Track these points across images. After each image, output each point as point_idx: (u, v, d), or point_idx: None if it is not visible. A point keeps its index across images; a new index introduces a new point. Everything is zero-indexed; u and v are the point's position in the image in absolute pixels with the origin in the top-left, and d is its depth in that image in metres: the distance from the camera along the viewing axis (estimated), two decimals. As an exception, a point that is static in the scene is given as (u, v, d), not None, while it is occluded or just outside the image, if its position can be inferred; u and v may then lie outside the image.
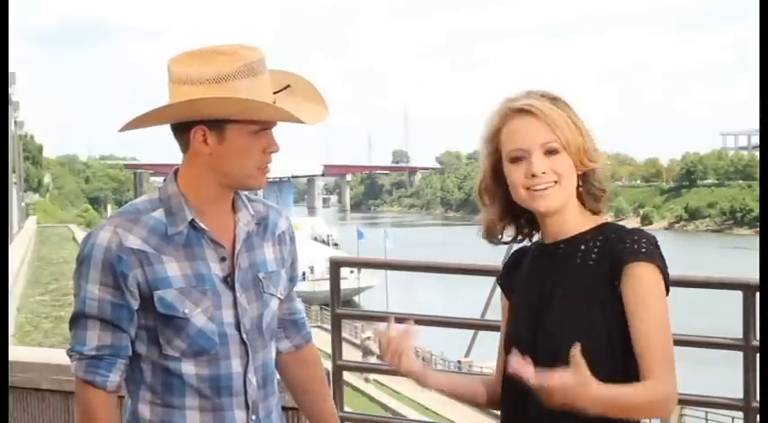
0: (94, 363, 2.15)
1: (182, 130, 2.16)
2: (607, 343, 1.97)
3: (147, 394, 2.20)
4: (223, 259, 2.19)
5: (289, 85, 2.23)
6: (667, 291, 2.02)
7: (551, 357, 1.95)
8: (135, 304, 2.13)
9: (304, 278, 48.72)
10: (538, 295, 2.07)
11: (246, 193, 2.30)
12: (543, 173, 2.04)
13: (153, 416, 2.19)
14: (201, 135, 2.13)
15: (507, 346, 2.10)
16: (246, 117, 2.11)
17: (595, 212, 2.11)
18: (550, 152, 2.04)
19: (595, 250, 2.02)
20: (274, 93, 2.19)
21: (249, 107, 2.09)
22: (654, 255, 1.97)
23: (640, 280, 1.96)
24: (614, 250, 1.99)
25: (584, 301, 1.99)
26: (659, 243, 2.04)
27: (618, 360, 1.97)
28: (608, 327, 1.97)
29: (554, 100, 2.08)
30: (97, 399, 2.15)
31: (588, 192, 2.10)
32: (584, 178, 2.09)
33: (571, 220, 2.08)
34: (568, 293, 2.02)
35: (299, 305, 2.49)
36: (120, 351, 2.16)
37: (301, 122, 2.15)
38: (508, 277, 2.21)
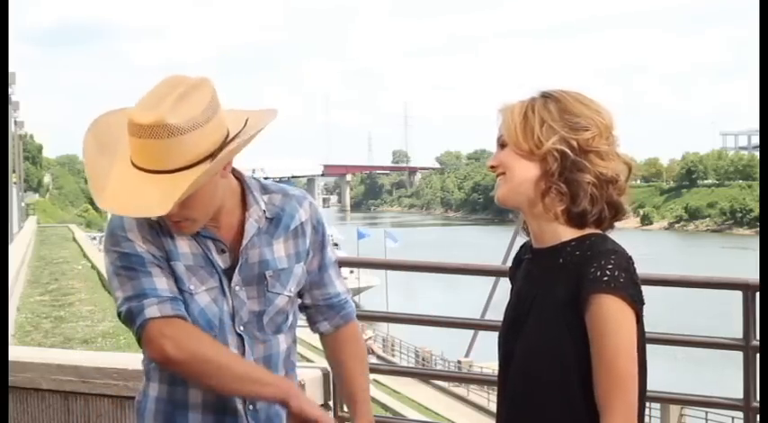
0: (177, 302, 2.14)
1: None
2: (576, 366, 1.93)
3: (155, 373, 2.25)
4: (222, 251, 2.21)
5: (211, 156, 2.09)
6: (639, 316, 1.94)
7: (523, 375, 2.01)
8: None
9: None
10: (520, 308, 2.06)
11: (267, 180, 2.35)
12: (492, 166, 2.05)
13: (159, 393, 2.24)
14: None
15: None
16: None
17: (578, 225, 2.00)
18: (502, 145, 2.05)
19: (571, 267, 1.95)
20: (158, 171, 2.06)
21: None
22: (615, 284, 1.89)
23: (598, 313, 1.90)
24: (580, 275, 1.92)
25: (555, 321, 1.96)
26: (635, 261, 1.94)
27: (587, 384, 1.93)
28: (577, 350, 1.93)
29: (535, 96, 2.04)
30: (193, 326, 2.15)
31: (557, 192, 1.98)
32: (559, 175, 1.97)
33: (547, 227, 2.02)
34: (543, 310, 1.99)
35: (337, 288, 2.42)
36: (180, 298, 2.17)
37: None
38: (514, 272, 2.21)
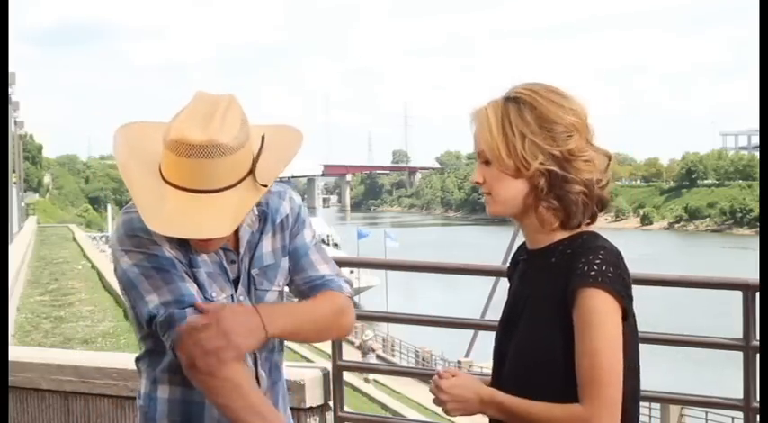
0: None
1: None
2: (564, 364, 1.93)
3: (165, 375, 2.21)
4: (233, 262, 2.22)
5: (250, 172, 2.08)
6: (626, 312, 1.93)
7: (516, 372, 2.01)
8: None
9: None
10: (514, 307, 2.07)
11: None
12: (477, 182, 2.03)
13: (172, 395, 2.21)
14: None
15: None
16: None
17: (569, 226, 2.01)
18: (485, 162, 2.02)
19: (561, 265, 1.96)
20: (208, 191, 2.05)
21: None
22: (602, 278, 1.89)
23: (583, 306, 1.90)
24: (569, 271, 1.93)
25: (545, 319, 1.96)
26: (624, 258, 1.95)
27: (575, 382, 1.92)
28: (566, 347, 1.92)
29: (507, 100, 2.00)
30: None
31: (549, 208, 1.99)
32: (549, 192, 1.97)
33: (541, 232, 2.02)
34: (535, 310, 1.99)
35: (320, 272, 2.34)
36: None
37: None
38: (512, 272, 2.21)
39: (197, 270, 2.16)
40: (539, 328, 1.97)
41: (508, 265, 2.24)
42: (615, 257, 1.93)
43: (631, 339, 1.95)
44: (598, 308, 1.89)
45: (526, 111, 1.97)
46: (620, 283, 1.91)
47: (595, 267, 1.90)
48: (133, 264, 2.13)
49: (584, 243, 1.96)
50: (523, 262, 2.12)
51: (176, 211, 2.02)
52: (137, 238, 2.13)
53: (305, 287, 2.34)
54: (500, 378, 2.07)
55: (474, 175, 2.04)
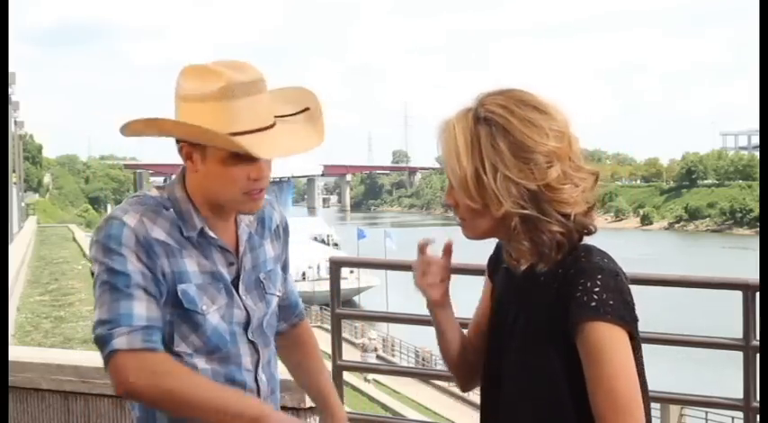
0: (149, 332, 2.02)
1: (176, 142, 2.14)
2: (569, 394, 1.81)
3: None
4: (231, 264, 2.19)
5: (307, 109, 2.20)
6: (633, 335, 1.80)
7: (514, 393, 1.89)
8: (164, 290, 2.08)
9: (304, 278, 48.82)
10: (504, 321, 1.94)
11: None
12: (449, 205, 1.87)
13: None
14: (186, 150, 2.10)
15: (481, 330, 2.07)
16: (203, 142, 2.06)
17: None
18: (453, 187, 1.84)
19: (555, 286, 1.81)
20: (278, 116, 2.12)
21: (196, 133, 2.03)
22: (605, 308, 1.74)
23: (589, 340, 1.76)
24: (566, 299, 1.78)
25: (543, 339, 1.83)
26: (627, 276, 1.82)
27: (580, 404, 1.81)
28: (569, 371, 1.80)
29: (477, 121, 1.79)
30: (164, 356, 2.04)
31: (519, 249, 1.84)
32: (521, 232, 1.82)
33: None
34: (529, 326, 1.86)
35: (290, 286, 2.47)
36: (163, 326, 2.07)
37: (253, 156, 2.05)
38: (493, 264, 2.11)
39: (187, 285, 2.10)
40: (534, 356, 1.84)
41: (489, 258, 2.13)
42: (614, 279, 1.78)
43: (637, 356, 1.84)
44: (606, 341, 1.76)
45: (499, 136, 1.77)
46: (623, 309, 1.77)
47: (595, 297, 1.75)
48: (97, 274, 2.08)
49: (577, 262, 1.80)
50: (506, 270, 1.97)
51: (268, 136, 2.06)
52: (106, 248, 2.06)
53: (283, 303, 2.41)
54: (496, 402, 1.96)
55: (446, 197, 1.89)
